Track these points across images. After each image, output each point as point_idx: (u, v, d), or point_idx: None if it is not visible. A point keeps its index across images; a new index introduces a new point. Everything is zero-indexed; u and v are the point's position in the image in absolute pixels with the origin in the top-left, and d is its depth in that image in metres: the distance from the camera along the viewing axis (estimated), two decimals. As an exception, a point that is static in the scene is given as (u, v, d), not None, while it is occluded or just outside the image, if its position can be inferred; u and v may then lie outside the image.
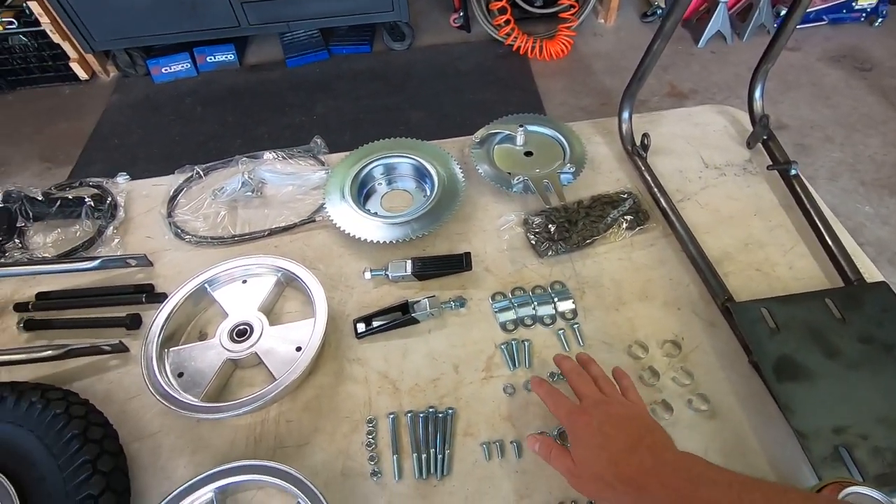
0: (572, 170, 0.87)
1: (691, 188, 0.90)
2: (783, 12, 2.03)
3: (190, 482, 0.59)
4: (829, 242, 0.76)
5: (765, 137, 0.91)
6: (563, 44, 2.77)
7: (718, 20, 2.72)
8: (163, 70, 2.79)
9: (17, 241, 0.87)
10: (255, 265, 0.78)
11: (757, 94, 0.92)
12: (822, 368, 0.62)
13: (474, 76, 2.73)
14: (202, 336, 0.76)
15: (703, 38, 2.76)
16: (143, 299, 0.78)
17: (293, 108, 2.62)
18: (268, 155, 0.97)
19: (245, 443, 0.66)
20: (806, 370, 0.62)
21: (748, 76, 0.94)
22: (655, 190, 0.86)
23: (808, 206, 0.81)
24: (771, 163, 0.89)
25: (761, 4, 2.66)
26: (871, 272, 0.75)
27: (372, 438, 0.65)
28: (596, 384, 0.60)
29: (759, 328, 0.66)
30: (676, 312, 0.74)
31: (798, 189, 0.83)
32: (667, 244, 0.82)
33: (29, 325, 0.77)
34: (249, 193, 0.92)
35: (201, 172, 0.97)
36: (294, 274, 0.77)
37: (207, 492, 0.59)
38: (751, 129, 0.96)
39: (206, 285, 0.77)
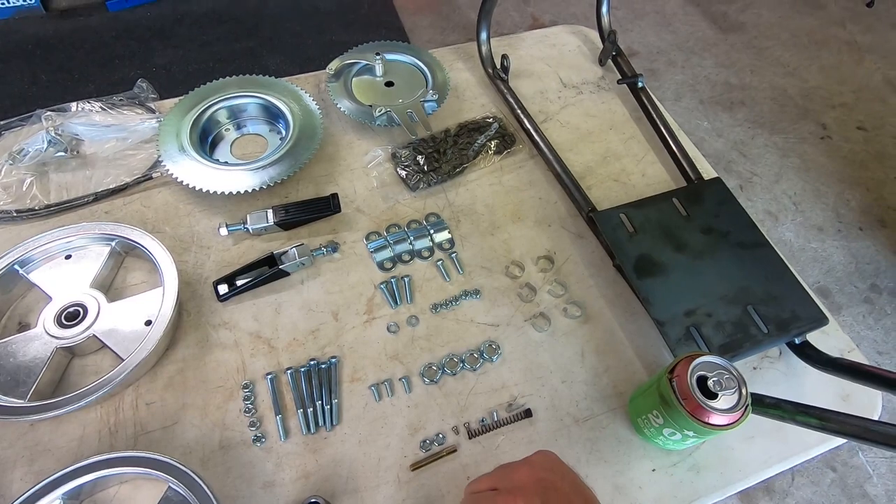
0: (436, 97, 0.84)
1: (552, 108, 0.91)
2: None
3: (27, 493, 0.50)
4: (674, 147, 0.82)
5: (614, 53, 0.94)
6: (425, -23, 2.66)
7: (571, -50, 2.77)
8: (-64, 19, 2.22)
9: None
10: (78, 236, 0.66)
11: (604, 9, 0.94)
12: (674, 261, 0.68)
13: (335, 15, 2.54)
14: (22, 327, 0.63)
15: (558, -31, 2.81)
16: (-69, 295, 0.63)
17: (124, 61, 2.25)
18: (79, 105, 0.80)
19: (97, 437, 0.57)
20: (661, 265, 0.68)
21: None
22: (519, 112, 0.86)
23: (654, 116, 0.86)
24: (621, 77, 0.92)
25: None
26: (709, 171, 0.83)
27: (250, 404, 0.60)
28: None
29: (619, 233, 0.70)
30: (547, 229, 0.76)
31: (645, 101, 0.88)
32: (534, 165, 0.83)
33: None
34: (62, 153, 0.76)
35: (-9, 133, 0.78)
36: (131, 240, 0.66)
37: (54, 500, 0.50)
38: (601, 48, 0.99)
39: (16, 267, 0.64)
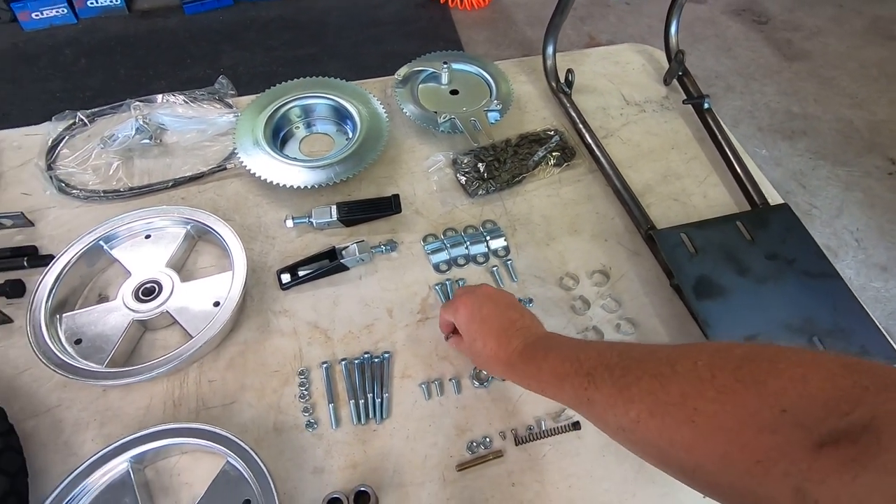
0: (499, 107, 0.85)
1: (613, 125, 0.91)
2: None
3: (99, 454, 0.53)
4: (738, 170, 0.81)
5: (680, 73, 0.94)
6: (484, -8, 2.71)
7: (632, -29, 2.76)
8: (33, 16, 2.42)
9: None
10: (160, 217, 0.70)
11: (672, 29, 0.94)
12: (735, 285, 0.66)
13: (394, 26, 2.62)
14: (102, 299, 0.68)
15: (618, -10, 2.81)
16: (25, 263, 0.68)
17: (195, 60, 2.39)
18: (165, 98, 0.86)
19: (162, 408, 0.60)
20: (721, 288, 0.66)
21: (661, 27, 0.96)
22: (581, 126, 0.86)
23: (719, 137, 0.85)
24: (686, 97, 0.92)
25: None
26: (774, 197, 0.80)
27: (305, 390, 0.62)
28: None
29: (679, 252, 0.69)
30: (603, 244, 0.76)
31: (710, 122, 0.87)
32: (593, 179, 0.83)
33: None
34: (147, 141, 0.81)
35: (85, 119, 0.84)
36: (206, 225, 0.70)
37: (121, 462, 0.53)
38: (666, 67, 0.98)
39: (101, 243, 0.69)
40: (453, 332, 0.61)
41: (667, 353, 0.39)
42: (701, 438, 0.34)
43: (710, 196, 0.82)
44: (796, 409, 0.30)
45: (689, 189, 0.83)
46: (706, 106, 0.88)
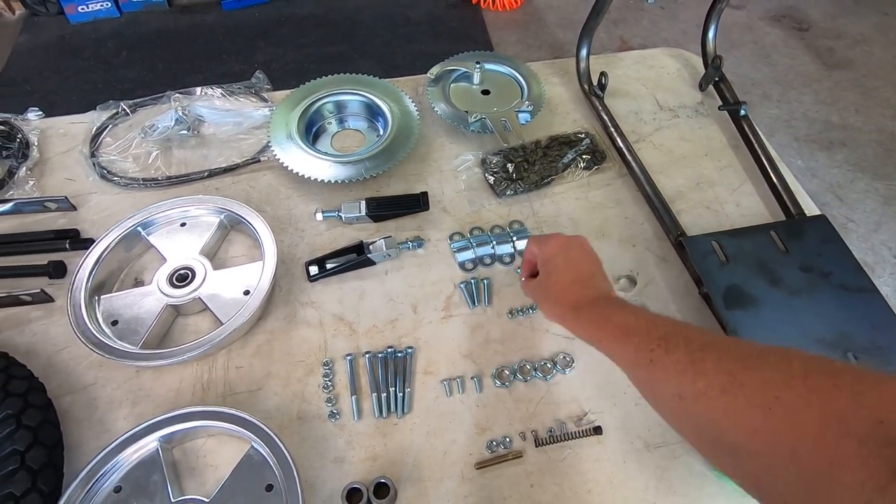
0: (530, 108, 0.85)
1: (646, 129, 0.90)
2: (731, -34, 2.04)
3: (131, 431, 0.55)
4: (774, 179, 0.79)
5: (716, 79, 0.92)
6: (516, -6, 2.70)
7: (668, -25, 2.72)
8: (79, 9, 2.50)
9: None
10: (195, 206, 0.72)
11: (710, 34, 0.92)
12: (767, 296, 0.65)
13: (425, 25, 2.63)
14: (138, 283, 0.70)
15: (653, -7, 2.77)
16: (67, 245, 0.71)
17: (231, 56, 2.44)
18: (203, 90, 0.88)
19: (192, 391, 0.62)
20: (752, 298, 0.65)
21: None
22: (612, 130, 0.85)
23: (755, 145, 0.83)
24: (722, 103, 0.90)
25: (709, -40, 2.67)
26: (811, 208, 0.78)
27: (329, 381, 0.63)
28: None
29: (709, 260, 0.68)
30: (631, 249, 0.75)
31: (746, 129, 0.85)
32: (622, 184, 0.83)
33: (-70, 276, 0.68)
34: (185, 132, 0.84)
35: (127, 109, 0.87)
36: (239, 215, 0.72)
37: (151, 441, 0.55)
38: (702, 72, 0.96)
39: (139, 229, 0.71)
40: (531, 276, 0.61)
41: (756, 345, 0.39)
42: (773, 427, 0.33)
43: (744, 205, 0.81)
44: (893, 426, 0.29)
45: (721, 197, 0.81)
46: (743, 113, 0.86)
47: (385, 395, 0.62)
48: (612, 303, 0.51)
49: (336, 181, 0.76)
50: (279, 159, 0.78)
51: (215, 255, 0.73)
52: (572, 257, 0.56)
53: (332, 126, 0.88)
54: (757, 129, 0.86)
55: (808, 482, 0.31)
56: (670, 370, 0.40)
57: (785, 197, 0.77)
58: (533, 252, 0.60)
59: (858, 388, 0.31)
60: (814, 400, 0.32)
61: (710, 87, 0.94)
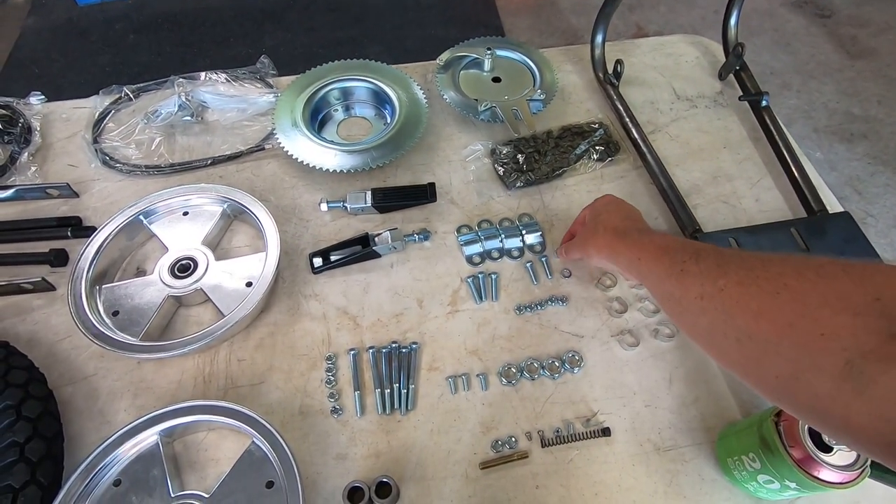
0: (542, 97, 0.82)
1: (662, 120, 0.87)
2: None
3: (131, 425, 0.54)
4: (796, 174, 0.76)
5: (737, 68, 0.88)
6: (530, -22, 2.64)
7: (687, -42, 2.64)
8: (87, -9, 2.48)
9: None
10: (198, 195, 0.71)
11: (732, 20, 0.88)
12: (786, 296, 0.62)
13: (436, 10, 2.58)
14: (140, 272, 0.69)
15: (670, -22, 2.69)
16: (69, 233, 0.70)
17: (238, 40, 2.41)
18: (207, 75, 0.86)
19: (193, 383, 0.61)
20: (770, 298, 0.62)
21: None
22: (627, 120, 0.82)
23: (776, 137, 0.80)
24: (742, 93, 0.86)
25: (730, -57, 2.59)
26: (833, 205, 0.75)
27: (332, 376, 0.62)
28: None
29: (726, 258, 0.66)
30: (645, 245, 0.73)
31: (767, 121, 0.82)
32: (637, 176, 0.80)
33: (-68, 263, 0.67)
34: (188, 118, 0.82)
35: (130, 94, 0.86)
36: (242, 205, 0.70)
37: (151, 434, 0.54)
38: (722, 60, 0.93)
39: (141, 217, 0.70)
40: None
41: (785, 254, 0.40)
42: (776, 307, 0.34)
43: (763, 200, 0.78)
44: (891, 301, 0.30)
45: (739, 191, 0.79)
46: (764, 103, 0.83)
47: (389, 391, 0.60)
48: (655, 231, 0.56)
49: (341, 171, 0.74)
50: (284, 147, 0.76)
51: (218, 245, 0.72)
52: (621, 204, 0.63)
53: (339, 113, 0.86)
54: (778, 120, 0.82)
55: (799, 351, 0.32)
56: (697, 276, 0.42)
57: (807, 192, 0.74)
58: (584, 214, 0.66)
59: (867, 274, 0.32)
60: (820, 283, 0.34)
61: (731, 76, 0.91)
